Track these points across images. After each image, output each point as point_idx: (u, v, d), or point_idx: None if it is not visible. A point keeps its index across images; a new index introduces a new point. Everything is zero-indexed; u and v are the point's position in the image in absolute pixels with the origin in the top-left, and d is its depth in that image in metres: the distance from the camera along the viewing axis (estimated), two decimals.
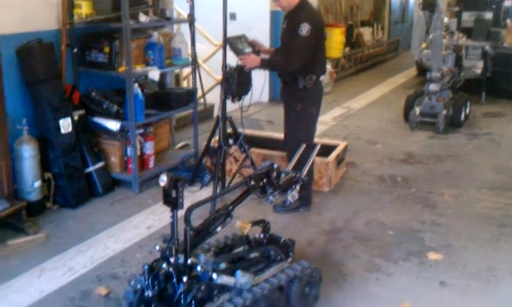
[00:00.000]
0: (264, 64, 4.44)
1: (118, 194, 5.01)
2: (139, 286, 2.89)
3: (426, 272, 3.73)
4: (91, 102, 5.04)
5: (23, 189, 4.44)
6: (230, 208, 3.01)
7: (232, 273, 2.88)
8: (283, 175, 3.24)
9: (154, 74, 5.06)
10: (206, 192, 4.93)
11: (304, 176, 3.33)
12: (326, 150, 5.19)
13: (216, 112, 5.79)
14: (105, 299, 3.37)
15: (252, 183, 3.06)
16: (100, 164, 5.00)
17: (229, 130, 4.79)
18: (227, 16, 4.64)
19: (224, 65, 4.58)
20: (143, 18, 4.99)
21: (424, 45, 8.24)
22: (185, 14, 5.81)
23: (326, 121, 7.55)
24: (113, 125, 4.97)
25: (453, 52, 7.62)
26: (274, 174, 3.13)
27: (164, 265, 2.80)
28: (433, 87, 7.10)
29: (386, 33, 14.03)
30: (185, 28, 5.76)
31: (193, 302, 2.69)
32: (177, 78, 7.00)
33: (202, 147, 5.23)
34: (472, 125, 7.50)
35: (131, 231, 4.32)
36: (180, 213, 2.79)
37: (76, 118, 4.83)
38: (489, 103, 8.58)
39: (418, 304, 3.35)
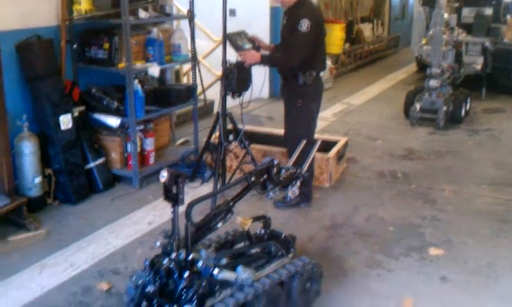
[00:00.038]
0: (263, 61, 4.44)
1: (119, 190, 5.02)
2: (140, 282, 2.89)
3: (427, 267, 3.74)
4: (91, 98, 5.04)
5: (24, 185, 4.44)
6: (231, 204, 3.01)
7: (233, 268, 2.88)
8: (283, 171, 3.24)
9: (154, 70, 5.06)
10: (206, 188, 4.94)
11: (304, 172, 3.33)
12: (327, 146, 5.19)
13: (216, 108, 5.79)
14: (106, 294, 3.38)
15: (252, 179, 3.06)
16: (100, 160, 5.00)
17: (229, 126, 4.79)
18: (227, 12, 4.64)
19: (224, 61, 4.57)
20: (142, 14, 4.99)
21: (424, 41, 8.24)
22: (184, 10, 5.80)
23: (326, 117, 7.55)
24: (113, 121, 4.97)
25: (453, 48, 7.62)
26: (275, 170, 3.13)
27: (166, 261, 2.80)
28: (433, 83, 7.10)
29: (386, 29, 14.02)
30: (184, 24, 5.75)
31: (194, 297, 2.70)
32: (177, 75, 6.99)
33: (202, 143, 5.22)
34: (472, 121, 7.50)
35: (132, 227, 4.33)
36: (181, 209, 2.80)
37: (76, 114, 4.83)
38: (490, 99, 8.58)
39: (419, 300, 3.35)
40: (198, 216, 2.93)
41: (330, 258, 3.82)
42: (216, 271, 2.78)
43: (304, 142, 3.70)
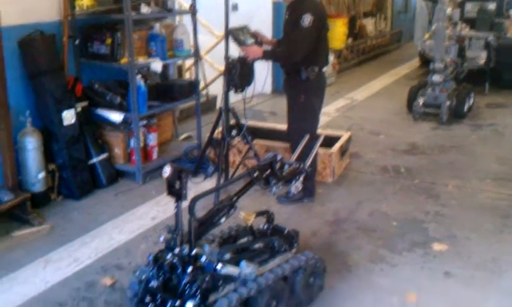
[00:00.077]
0: (266, 56, 4.43)
1: (122, 186, 5.03)
2: (144, 277, 2.90)
3: (430, 262, 3.73)
4: (94, 94, 5.04)
5: (27, 181, 4.45)
6: (234, 199, 3.01)
7: (236, 263, 2.89)
8: (286, 166, 3.24)
9: (156, 66, 5.06)
10: (209, 184, 4.93)
11: (307, 167, 3.33)
12: (330, 141, 5.18)
13: (219, 103, 5.78)
14: (110, 290, 3.39)
15: (255, 174, 3.07)
16: (103, 156, 5.01)
17: (232, 121, 4.78)
18: (229, 7, 4.63)
19: (227, 56, 4.57)
20: (144, 9, 4.98)
21: (426, 36, 8.21)
22: (187, 5, 5.79)
23: (329, 112, 7.54)
24: (116, 117, 4.98)
25: (456, 42, 7.58)
26: (278, 165, 3.13)
27: (169, 256, 2.81)
28: (436, 78, 7.08)
29: (389, 24, 13.97)
30: (187, 19, 5.74)
31: (198, 292, 2.70)
32: (180, 70, 6.99)
33: (205, 138, 5.22)
34: (476, 115, 7.48)
35: (135, 222, 4.33)
36: (184, 204, 2.80)
37: (79, 109, 4.83)
38: (493, 94, 8.55)
39: (423, 295, 3.35)
40: (201, 211, 2.94)
41: (333, 253, 3.82)
42: (219, 266, 2.79)
43: (307, 137, 3.70)
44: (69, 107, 4.67)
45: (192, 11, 5.38)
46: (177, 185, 2.75)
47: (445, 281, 3.52)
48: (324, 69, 4.54)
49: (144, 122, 5.18)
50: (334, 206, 4.63)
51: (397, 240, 4.03)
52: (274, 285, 2.94)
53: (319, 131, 4.74)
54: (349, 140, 5.59)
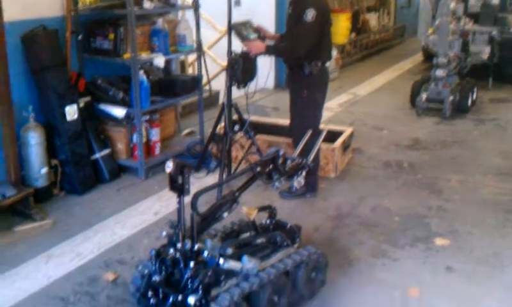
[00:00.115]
0: (269, 51, 4.42)
1: (125, 181, 5.03)
2: (146, 272, 2.92)
3: (433, 257, 3.73)
4: (97, 89, 5.04)
5: (30, 176, 4.46)
6: (236, 194, 3.02)
7: (238, 258, 2.89)
8: (289, 161, 3.24)
9: (159, 61, 5.05)
10: (212, 179, 4.94)
11: (310, 162, 3.33)
12: (332, 136, 5.18)
13: (222, 98, 5.79)
14: (112, 284, 3.40)
15: (258, 169, 3.07)
16: (106, 151, 5.02)
17: (235, 116, 4.78)
18: (232, 2, 4.62)
19: (230, 51, 4.56)
20: (147, 4, 4.98)
21: (430, 31, 8.18)
22: (189, 0, 5.78)
23: (332, 107, 7.53)
24: (119, 112, 4.98)
25: (460, 37, 7.57)
26: (280, 160, 3.13)
27: (171, 251, 2.82)
28: (440, 72, 7.06)
29: (392, 18, 13.93)
30: (190, 14, 5.74)
31: (200, 287, 2.71)
32: (182, 65, 6.99)
33: (208, 134, 5.23)
34: (479, 110, 7.47)
35: (138, 217, 4.34)
36: (187, 199, 2.80)
37: (82, 105, 4.84)
38: (496, 89, 8.53)
39: (425, 289, 3.35)
40: (203, 206, 2.95)
41: (335, 248, 3.83)
42: (221, 261, 2.79)
43: (309, 132, 3.69)
44: (72, 102, 4.67)
45: (195, 6, 5.37)
46: (180, 180, 2.76)
47: (447, 275, 3.52)
48: (327, 64, 4.53)
49: (147, 117, 5.19)
50: (336, 201, 4.63)
51: (399, 235, 4.03)
52: (276, 280, 2.94)
53: (322, 126, 4.74)
54: (351, 135, 5.58)
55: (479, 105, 7.68)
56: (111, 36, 4.94)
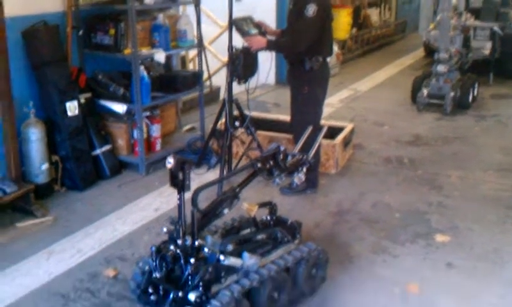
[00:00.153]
0: (270, 46, 4.41)
1: (125, 177, 5.04)
2: (147, 268, 2.92)
3: (433, 253, 3.73)
4: (97, 85, 5.04)
5: (31, 172, 4.46)
6: (237, 190, 3.01)
7: (239, 255, 2.90)
8: (289, 157, 3.24)
9: (160, 56, 5.05)
10: (212, 175, 4.94)
11: (310, 158, 3.33)
12: (333, 132, 5.18)
13: (222, 94, 5.78)
14: (113, 281, 3.40)
15: (259, 165, 3.07)
16: (107, 147, 5.01)
17: (235, 112, 4.78)
18: None
19: (230, 47, 4.55)
20: None
21: (431, 26, 8.16)
22: None
23: (333, 103, 7.52)
24: (120, 108, 4.98)
25: (461, 32, 7.55)
26: (281, 156, 3.13)
27: (172, 247, 2.82)
28: (441, 68, 7.05)
29: (393, 14, 13.88)
30: (190, 10, 5.73)
31: (200, 283, 2.71)
32: (183, 61, 6.98)
33: (209, 129, 5.22)
34: (480, 106, 7.45)
35: (138, 213, 4.34)
36: (187, 195, 2.80)
37: (83, 100, 4.83)
38: (497, 85, 8.51)
39: (425, 285, 3.36)
40: (204, 202, 2.94)
41: (336, 244, 3.83)
42: (221, 257, 2.79)
43: (310, 128, 3.69)
44: (72, 98, 4.67)
45: (196, 1, 5.36)
46: (180, 176, 2.76)
47: (447, 272, 3.52)
48: (328, 59, 4.52)
49: (148, 113, 5.18)
50: (337, 197, 4.63)
51: (400, 231, 4.04)
52: (277, 276, 2.95)
53: (323, 122, 4.74)
54: (352, 131, 5.57)
55: (480, 101, 7.66)
56: (112, 31, 4.93)
